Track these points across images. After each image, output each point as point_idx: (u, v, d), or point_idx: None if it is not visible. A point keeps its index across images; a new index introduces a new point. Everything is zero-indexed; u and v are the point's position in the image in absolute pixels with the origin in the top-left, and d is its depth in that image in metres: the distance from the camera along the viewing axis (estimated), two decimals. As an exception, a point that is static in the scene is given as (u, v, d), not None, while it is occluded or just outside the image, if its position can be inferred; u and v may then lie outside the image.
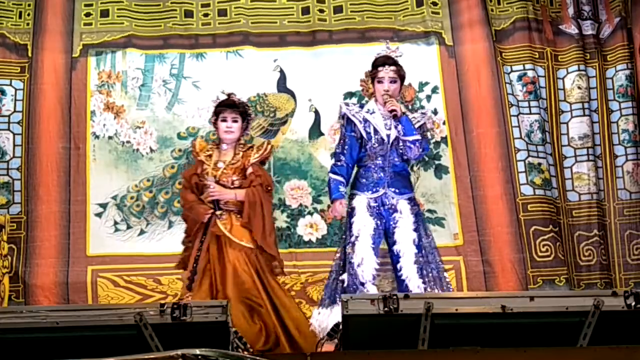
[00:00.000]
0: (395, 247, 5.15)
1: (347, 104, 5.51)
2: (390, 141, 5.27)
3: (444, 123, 6.99)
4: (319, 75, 7.05)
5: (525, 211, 6.76)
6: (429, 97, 7.05)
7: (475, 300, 3.89)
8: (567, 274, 6.64)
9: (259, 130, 7.01)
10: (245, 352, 3.71)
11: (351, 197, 5.31)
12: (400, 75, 5.35)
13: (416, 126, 5.29)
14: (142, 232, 6.75)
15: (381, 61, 5.35)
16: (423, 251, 5.15)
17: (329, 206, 6.06)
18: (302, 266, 6.63)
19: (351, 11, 7.18)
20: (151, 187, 6.86)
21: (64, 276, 6.48)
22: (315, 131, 6.98)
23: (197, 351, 3.21)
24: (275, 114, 7.05)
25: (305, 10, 7.17)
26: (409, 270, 5.07)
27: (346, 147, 5.33)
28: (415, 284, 5.04)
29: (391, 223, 5.20)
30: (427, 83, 7.05)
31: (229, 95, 5.53)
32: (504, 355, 3.60)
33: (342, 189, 5.26)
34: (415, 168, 6.89)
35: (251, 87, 7.01)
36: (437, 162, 6.94)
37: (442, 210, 6.81)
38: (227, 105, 5.46)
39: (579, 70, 7.02)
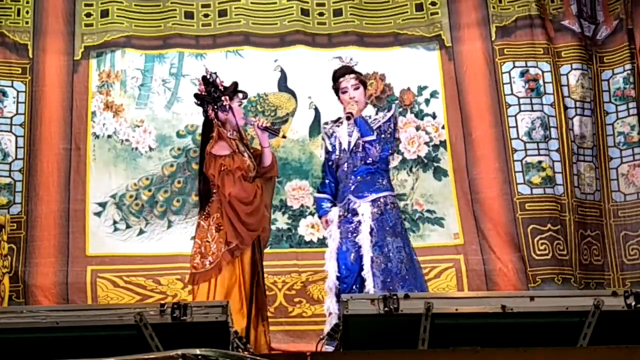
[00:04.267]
0: (359, 250, 5.27)
1: (325, 124, 5.64)
2: (350, 147, 5.36)
3: (442, 127, 7.02)
4: (319, 73, 7.04)
5: (523, 210, 6.80)
6: (427, 101, 7.07)
7: (475, 300, 3.89)
8: (566, 273, 6.67)
9: (259, 130, 7.00)
10: (246, 352, 3.71)
11: (332, 209, 5.44)
12: (361, 81, 5.45)
13: (375, 126, 5.33)
14: (141, 231, 6.76)
15: (341, 72, 5.44)
16: (383, 251, 5.19)
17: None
18: (303, 265, 6.64)
19: (350, 14, 7.18)
20: (150, 186, 6.87)
21: (63, 276, 6.49)
22: (316, 129, 6.99)
23: (197, 351, 3.21)
24: (276, 113, 7.05)
25: (305, 12, 7.17)
26: (366, 272, 5.17)
27: (324, 165, 5.53)
28: (370, 286, 5.14)
29: (354, 227, 5.29)
30: (425, 87, 7.08)
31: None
32: (504, 355, 3.59)
33: (324, 204, 5.44)
34: (414, 169, 6.93)
35: (251, 87, 7.00)
36: (435, 164, 6.97)
37: (442, 211, 6.86)
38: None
39: (582, 69, 7.02)
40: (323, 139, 5.53)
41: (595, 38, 7.11)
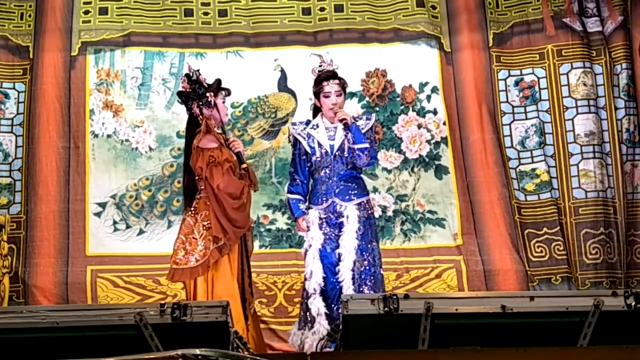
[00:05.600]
0: (337, 251, 5.31)
1: (293, 124, 5.65)
2: (334, 152, 5.38)
3: (444, 123, 7.02)
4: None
5: (520, 214, 6.83)
6: (429, 97, 7.07)
7: (475, 300, 3.89)
8: (565, 273, 6.67)
9: (259, 132, 7.01)
10: (246, 352, 3.71)
11: (308, 210, 5.46)
12: (343, 87, 5.47)
13: (363, 132, 5.37)
14: (141, 231, 6.75)
15: (325, 76, 5.44)
16: (365, 254, 5.26)
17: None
18: (302, 265, 6.61)
19: (352, 11, 7.18)
20: (150, 186, 6.86)
21: (63, 276, 6.48)
22: (318, 130, 6.99)
23: (197, 351, 3.21)
24: (276, 114, 7.04)
25: (306, 11, 7.17)
26: (345, 274, 5.22)
27: (297, 165, 5.50)
28: (348, 287, 5.19)
29: (338, 229, 5.34)
30: (427, 83, 7.07)
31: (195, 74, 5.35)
32: (504, 355, 3.60)
33: (301, 206, 5.46)
34: (415, 169, 6.94)
35: (252, 88, 7.02)
36: (437, 162, 6.98)
37: (443, 211, 6.88)
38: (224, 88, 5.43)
39: (584, 67, 6.99)
40: (297, 140, 5.48)
41: (604, 33, 7.07)
